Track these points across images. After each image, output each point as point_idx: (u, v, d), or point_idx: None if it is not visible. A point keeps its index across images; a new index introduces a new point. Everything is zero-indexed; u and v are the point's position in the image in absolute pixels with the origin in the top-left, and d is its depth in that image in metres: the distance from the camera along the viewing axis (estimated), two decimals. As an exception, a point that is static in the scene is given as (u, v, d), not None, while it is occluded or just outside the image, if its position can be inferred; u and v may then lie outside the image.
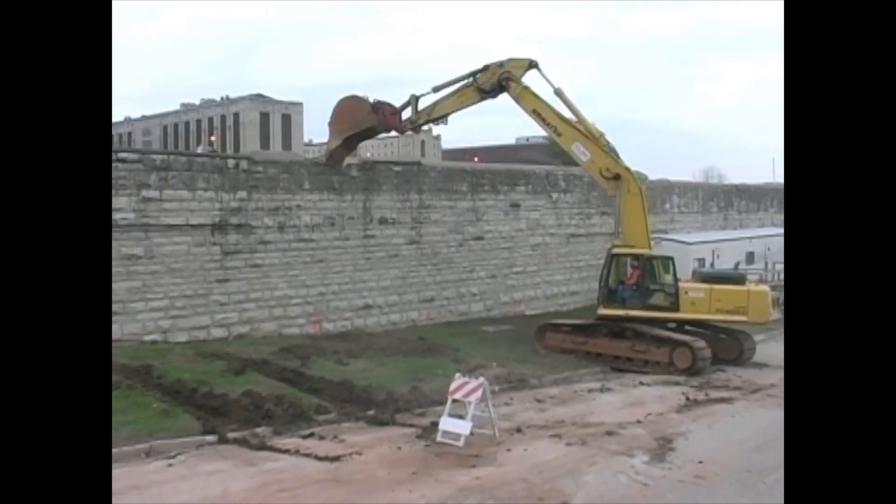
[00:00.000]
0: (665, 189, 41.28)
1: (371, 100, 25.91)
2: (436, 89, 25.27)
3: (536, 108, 24.18)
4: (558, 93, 24.06)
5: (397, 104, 25.84)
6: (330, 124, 25.91)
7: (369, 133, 26.76)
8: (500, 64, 24.41)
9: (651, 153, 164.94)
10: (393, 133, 28.98)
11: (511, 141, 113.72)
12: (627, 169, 23.82)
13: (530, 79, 24.57)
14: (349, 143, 26.16)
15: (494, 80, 24.37)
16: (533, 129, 25.38)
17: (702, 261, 33.03)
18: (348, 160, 26.59)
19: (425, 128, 30.29)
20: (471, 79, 24.84)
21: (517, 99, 24.38)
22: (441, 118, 25.66)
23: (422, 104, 25.59)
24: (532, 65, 24.39)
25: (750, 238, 39.87)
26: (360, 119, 25.53)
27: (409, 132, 28.34)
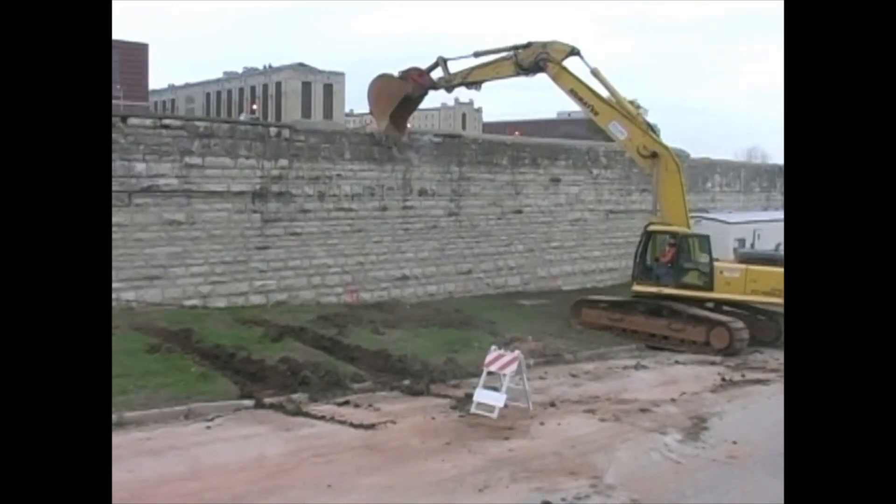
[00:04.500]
0: (707, 168, 40.79)
1: (397, 73, 26.18)
2: (477, 54, 25.52)
3: (574, 88, 24.17)
4: (595, 73, 24.00)
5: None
6: (371, 112, 26.21)
7: (410, 103, 26.75)
8: (544, 45, 24.36)
9: (693, 133, 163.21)
10: (432, 105, 28.87)
11: (552, 115, 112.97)
12: (665, 147, 23.67)
13: (569, 59, 24.44)
14: (397, 121, 26.26)
15: (532, 60, 24.39)
16: (574, 105, 25.29)
17: (742, 241, 32.61)
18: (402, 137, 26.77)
19: (465, 99, 30.11)
20: (511, 52, 24.88)
21: (555, 79, 24.35)
22: (475, 83, 25.83)
23: (457, 66, 25.88)
24: (574, 52, 24.30)
25: (792, 219, 39.12)
26: (394, 92, 25.84)
27: (443, 90, 28.31)
